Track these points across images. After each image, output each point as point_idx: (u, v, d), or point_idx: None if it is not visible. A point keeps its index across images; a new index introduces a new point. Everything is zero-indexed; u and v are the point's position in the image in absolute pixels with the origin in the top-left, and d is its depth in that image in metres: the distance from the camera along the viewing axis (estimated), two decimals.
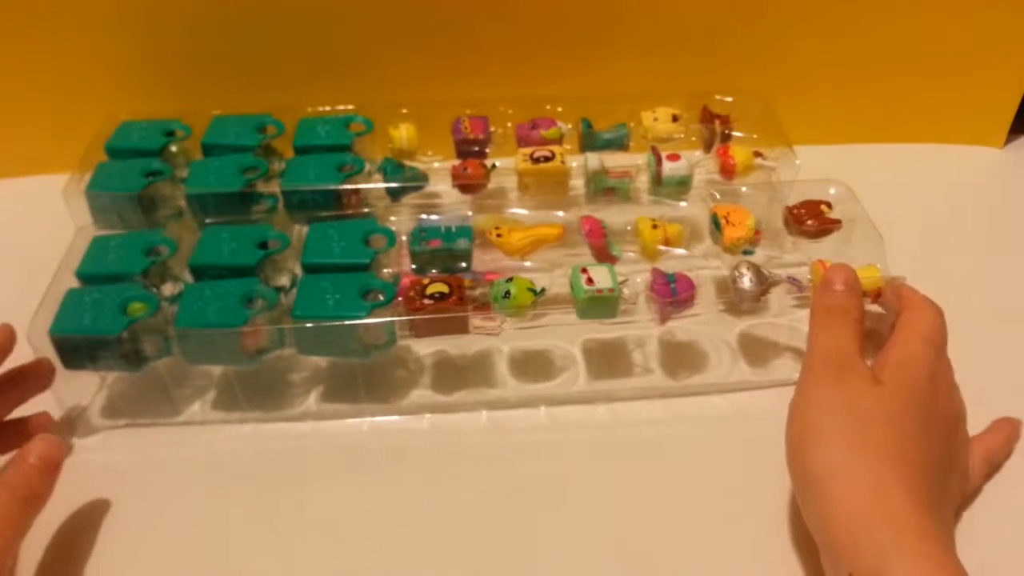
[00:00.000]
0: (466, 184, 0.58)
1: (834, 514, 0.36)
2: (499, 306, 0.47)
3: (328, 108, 0.61)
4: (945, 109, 0.70)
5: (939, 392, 0.41)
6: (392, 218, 0.56)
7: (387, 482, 0.47)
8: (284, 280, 0.51)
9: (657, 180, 0.56)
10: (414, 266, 0.52)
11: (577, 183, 0.58)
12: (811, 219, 0.52)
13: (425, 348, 0.54)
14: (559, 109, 0.60)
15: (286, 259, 0.51)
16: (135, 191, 0.55)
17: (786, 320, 0.55)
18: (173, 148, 0.58)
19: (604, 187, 0.57)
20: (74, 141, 0.58)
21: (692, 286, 0.48)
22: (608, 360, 0.54)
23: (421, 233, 0.52)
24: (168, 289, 0.49)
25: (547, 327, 0.53)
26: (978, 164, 0.71)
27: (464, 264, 0.51)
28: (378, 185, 0.57)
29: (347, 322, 0.46)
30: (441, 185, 0.58)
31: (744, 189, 0.57)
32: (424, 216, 0.55)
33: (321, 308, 0.47)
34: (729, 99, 0.61)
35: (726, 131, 0.60)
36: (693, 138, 0.60)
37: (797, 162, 0.56)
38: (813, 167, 0.55)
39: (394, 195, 0.57)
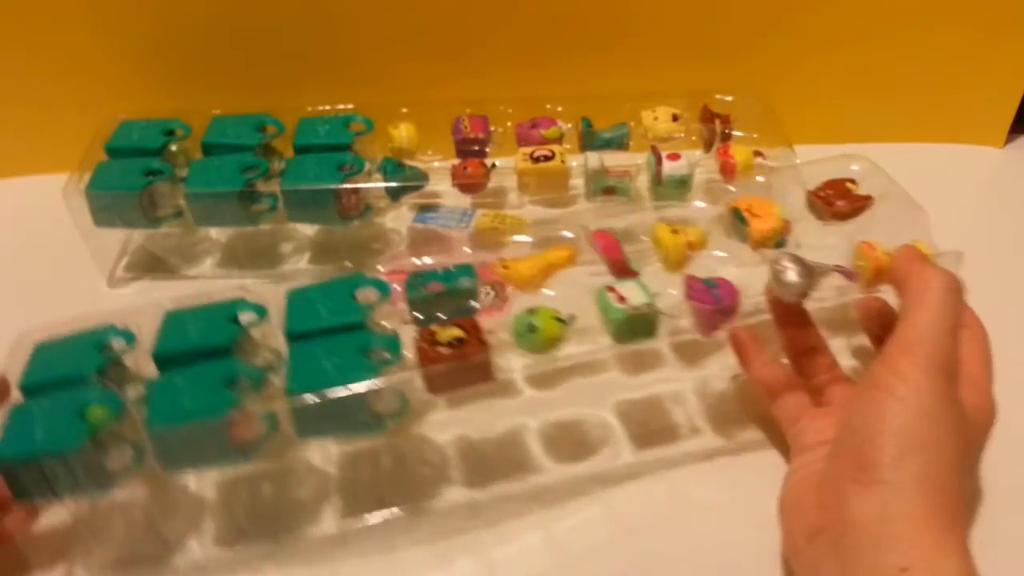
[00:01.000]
0: (466, 184, 0.58)
1: (904, 513, 0.35)
2: (524, 343, 0.42)
3: (328, 107, 0.61)
4: (945, 109, 0.70)
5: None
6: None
7: None
8: (267, 357, 0.43)
9: (657, 180, 0.56)
10: (416, 315, 0.45)
11: (577, 182, 0.58)
12: (840, 199, 0.47)
13: (444, 434, 0.48)
14: (559, 108, 0.60)
15: (265, 335, 0.44)
16: (135, 190, 0.55)
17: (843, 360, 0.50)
18: (173, 147, 0.58)
19: (604, 186, 0.57)
20: (74, 141, 0.58)
21: (736, 292, 0.43)
22: (649, 423, 0.49)
23: (417, 279, 0.45)
24: (133, 391, 0.41)
25: (572, 382, 0.49)
26: (978, 164, 0.71)
27: (471, 303, 0.45)
28: (378, 184, 0.57)
29: (355, 390, 0.39)
30: (441, 185, 0.58)
31: (760, 179, 0.53)
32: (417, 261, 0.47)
33: (321, 377, 0.40)
34: (729, 99, 0.61)
35: (726, 131, 0.60)
36: (693, 137, 0.60)
37: (797, 161, 0.56)
38: None
39: (394, 194, 0.58)
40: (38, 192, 0.58)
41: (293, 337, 0.43)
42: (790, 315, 0.46)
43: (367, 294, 0.44)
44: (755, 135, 0.60)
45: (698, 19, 0.65)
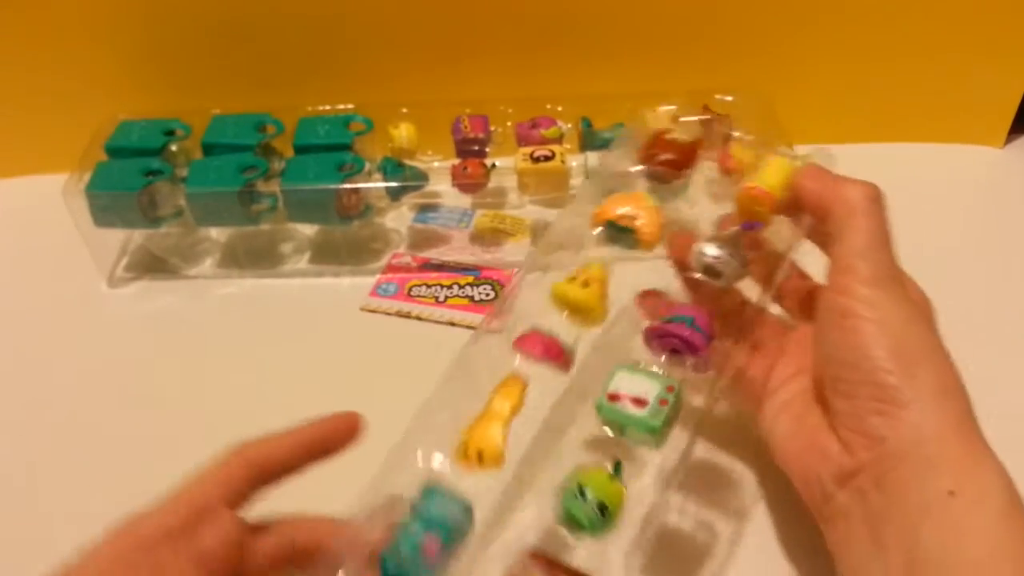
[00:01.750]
0: (466, 183, 0.58)
1: (937, 430, 0.35)
2: (596, 529, 0.34)
3: (328, 107, 0.61)
4: (945, 109, 0.70)
5: None
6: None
7: None
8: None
9: None
10: None
11: (577, 182, 0.58)
12: (671, 154, 0.43)
13: None
14: (559, 108, 0.60)
15: None
16: (135, 190, 0.55)
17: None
18: (173, 147, 0.59)
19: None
20: (74, 141, 0.58)
21: (705, 312, 0.39)
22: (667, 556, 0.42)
23: (395, 549, 0.32)
24: None
25: None
26: (978, 164, 0.71)
27: (468, 535, 0.34)
28: (378, 184, 0.57)
29: None
30: (441, 184, 0.58)
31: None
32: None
33: None
34: (729, 98, 0.61)
35: (726, 131, 0.60)
36: None
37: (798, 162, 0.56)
38: None
39: (394, 194, 0.58)
40: (38, 192, 0.58)
41: None
42: (722, 296, 0.42)
43: None
44: (755, 135, 0.59)
45: (698, 19, 0.65)
